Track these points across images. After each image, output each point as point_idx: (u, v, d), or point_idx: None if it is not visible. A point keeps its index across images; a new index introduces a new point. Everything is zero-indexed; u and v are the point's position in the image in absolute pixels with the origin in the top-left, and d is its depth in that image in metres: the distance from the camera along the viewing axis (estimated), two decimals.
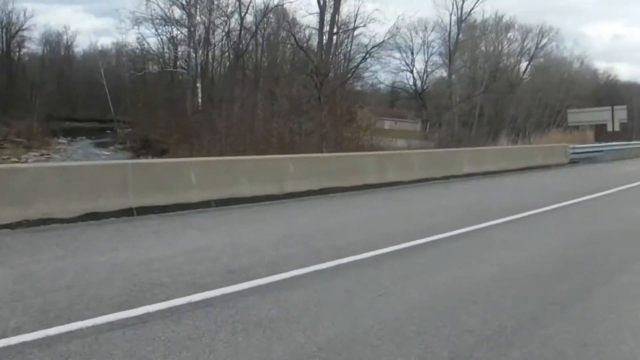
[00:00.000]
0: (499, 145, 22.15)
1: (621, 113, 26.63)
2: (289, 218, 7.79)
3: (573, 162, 19.95)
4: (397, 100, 65.08)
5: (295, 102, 22.50)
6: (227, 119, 25.26)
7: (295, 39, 30.00)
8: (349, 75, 30.20)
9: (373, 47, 31.82)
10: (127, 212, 7.24)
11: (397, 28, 39.08)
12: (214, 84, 40.95)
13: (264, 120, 26.49)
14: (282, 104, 23.89)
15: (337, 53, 29.53)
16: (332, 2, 26.73)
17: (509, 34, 52.05)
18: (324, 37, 26.22)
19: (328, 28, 26.65)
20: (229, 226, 7.03)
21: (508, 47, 54.34)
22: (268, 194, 8.95)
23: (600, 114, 26.98)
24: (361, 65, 36.71)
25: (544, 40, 52.93)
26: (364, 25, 31.24)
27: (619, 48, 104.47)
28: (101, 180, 7.17)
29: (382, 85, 61.23)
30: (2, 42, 56.26)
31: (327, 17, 27.40)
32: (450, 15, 37.74)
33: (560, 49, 56.00)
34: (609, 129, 27.08)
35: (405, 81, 55.96)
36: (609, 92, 63.80)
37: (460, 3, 37.01)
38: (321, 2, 26.47)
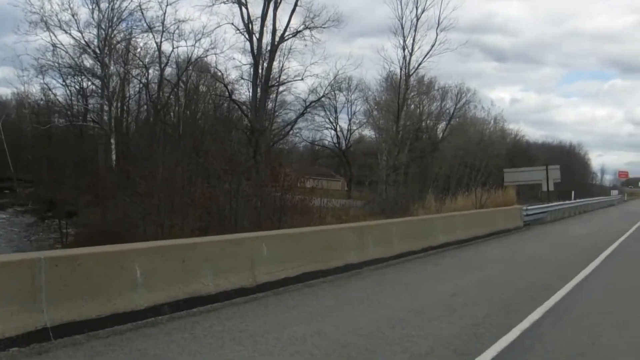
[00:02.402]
0: (460, 211, 21.17)
1: (555, 173, 26.83)
2: (279, 331, 5.53)
3: (526, 224, 19.17)
4: (318, 159, 64.38)
5: (230, 161, 20.23)
6: (150, 178, 22.45)
7: (228, 92, 28.03)
8: (287, 131, 28.54)
9: (312, 101, 30.58)
10: (39, 336, 4.69)
11: (336, 82, 38.32)
12: (129, 140, 37.75)
13: (189, 181, 23.94)
14: (213, 162, 21.58)
15: (272, 108, 27.90)
16: (266, 54, 25.28)
17: (431, 94, 53.21)
18: (257, 91, 24.51)
19: (262, 81, 24.97)
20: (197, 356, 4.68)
21: (428, 106, 55.56)
22: (237, 287, 6.66)
23: (536, 174, 27.02)
24: (282, 124, 35.33)
25: (462, 101, 54.63)
26: (302, 79, 30.05)
27: (517, 111, 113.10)
28: None
29: (303, 143, 60.17)
30: None
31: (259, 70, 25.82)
32: (401, 69, 37.43)
33: (478, 110, 58.01)
34: (544, 188, 27.16)
35: (329, 139, 55.43)
36: (518, 151, 67.09)
37: (409, 58, 36.80)
38: (255, 53, 24.91)
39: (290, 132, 32.63)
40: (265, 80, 24.83)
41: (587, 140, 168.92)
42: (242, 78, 29.73)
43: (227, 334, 5.24)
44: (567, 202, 30.90)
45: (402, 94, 34.41)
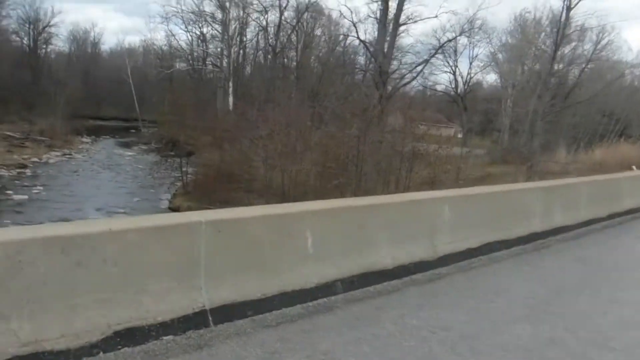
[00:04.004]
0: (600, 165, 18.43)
1: None
2: (496, 331, 4.10)
3: None
4: (429, 104, 60.99)
5: (357, 105, 18.77)
6: (270, 121, 21.69)
7: (356, 30, 26.18)
8: (415, 75, 26.46)
9: (448, 40, 28.06)
10: (196, 321, 3.64)
11: (475, 19, 35.10)
12: (247, 83, 37.55)
13: (311, 126, 22.91)
14: (337, 106, 20.29)
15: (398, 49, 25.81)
16: None
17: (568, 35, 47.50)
18: (387, 30, 22.47)
19: (392, 19, 22.85)
20: None
21: (563, 49, 49.79)
22: (416, 260, 5.30)
23: None
24: (406, 66, 33.00)
25: (603, 42, 48.28)
26: (436, 16, 27.45)
27: None
28: (147, 260, 3.61)
29: (416, 87, 57.23)
30: (29, 39, 54.04)
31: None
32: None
33: (622, 51, 51.31)
34: None
35: (444, 84, 52.02)
36: None
37: None
38: None
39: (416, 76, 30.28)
40: (395, 17, 22.66)
41: None
42: (369, 16, 27.63)
43: (429, 332, 3.90)
44: None
45: (561, 29, 30.40)
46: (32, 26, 53.49)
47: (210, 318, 3.69)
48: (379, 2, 24.46)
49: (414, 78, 24.66)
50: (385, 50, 23.09)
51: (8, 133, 36.44)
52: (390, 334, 3.84)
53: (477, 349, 3.66)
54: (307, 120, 22.57)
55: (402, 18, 23.85)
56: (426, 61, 28.49)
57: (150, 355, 3.25)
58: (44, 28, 54.24)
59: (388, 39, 22.34)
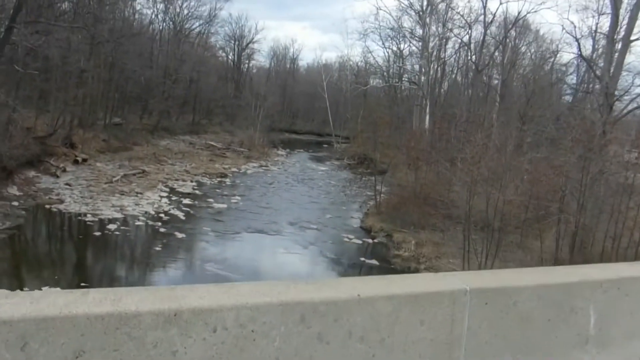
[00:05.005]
0: None
1: None
2: None
3: None
4: None
5: (580, 130, 16.21)
6: (471, 143, 20.03)
7: (579, 46, 23.22)
8: None
9: None
10: None
11: None
12: (446, 102, 36.13)
13: (515, 153, 20.66)
14: (553, 130, 17.84)
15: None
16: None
17: None
18: (615, 48, 19.28)
19: (622, 35, 19.60)
20: None
21: None
22: None
23: None
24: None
25: None
26: None
27: None
28: (397, 335, 2.60)
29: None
30: (234, 54, 59.29)
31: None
32: None
33: None
34: None
35: None
36: None
37: None
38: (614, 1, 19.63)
39: None
40: (626, 33, 19.37)
41: None
42: (594, 31, 24.38)
43: None
44: None
45: None
46: (237, 42, 58.43)
47: None
48: (609, 16, 21.28)
49: None
50: (612, 70, 19.91)
51: (212, 143, 40.13)
52: None
53: None
54: (514, 145, 20.41)
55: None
56: None
57: None
58: (247, 44, 58.88)
59: (616, 55, 19.17)
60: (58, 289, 10.18)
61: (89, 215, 17.85)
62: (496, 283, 3.17)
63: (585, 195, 14.84)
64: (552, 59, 36.49)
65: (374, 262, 16.44)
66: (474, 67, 33.62)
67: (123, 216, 18.27)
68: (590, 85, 28.08)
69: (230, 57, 59.24)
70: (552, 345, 3.11)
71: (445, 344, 2.74)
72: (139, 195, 21.40)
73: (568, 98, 37.00)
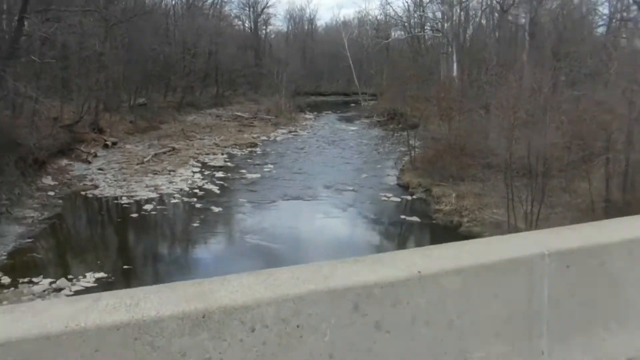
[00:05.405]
0: None
1: None
2: None
3: None
4: None
5: (625, 62, 15.14)
6: (508, 88, 19.10)
7: None
8: None
9: None
10: None
11: None
12: (472, 47, 34.69)
13: (552, 93, 19.58)
14: (593, 66, 16.72)
15: None
16: None
17: None
18: None
19: None
20: None
21: None
22: None
23: None
24: None
25: None
26: None
27: None
28: (468, 314, 2.19)
29: None
30: (250, 21, 58.15)
31: None
32: None
33: None
34: None
35: None
36: None
37: None
38: None
39: None
40: None
41: None
42: None
43: None
44: None
45: None
46: (251, 9, 57.13)
47: None
48: None
49: None
50: None
51: (238, 113, 39.83)
52: None
53: None
54: (550, 84, 19.33)
55: None
56: None
57: None
58: (262, 10, 57.48)
59: None
60: (64, 297, 10.09)
61: (124, 197, 17.92)
62: (578, 242, 2.71)
63: (634, 131, 13.96)
64: None
65: (415, 219, 16.10)
66: (498, 8, 32.03)
67: (158, 195, 18.30)
68: (625, 14, 26.41)
69: (246, 25, 58.28)
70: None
71: (523, 319, 2.35)
72: (171, 173, 21.42)
73: (601, 30, 35.12)
